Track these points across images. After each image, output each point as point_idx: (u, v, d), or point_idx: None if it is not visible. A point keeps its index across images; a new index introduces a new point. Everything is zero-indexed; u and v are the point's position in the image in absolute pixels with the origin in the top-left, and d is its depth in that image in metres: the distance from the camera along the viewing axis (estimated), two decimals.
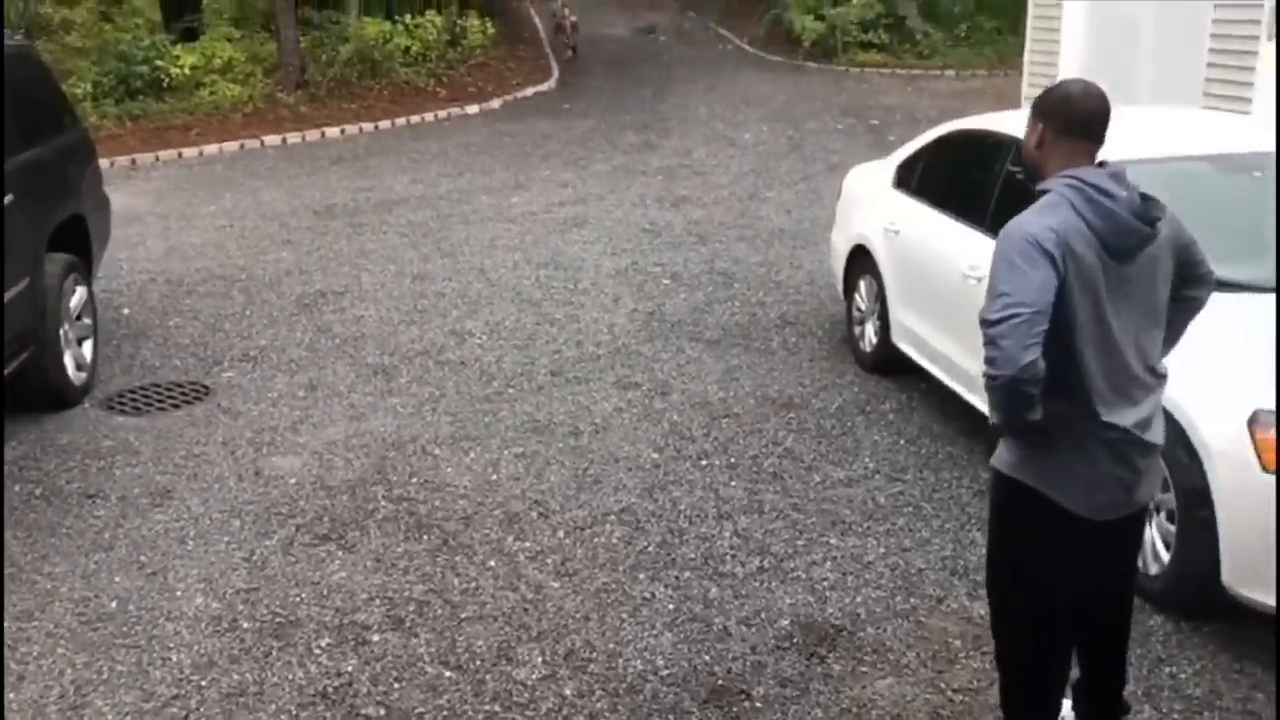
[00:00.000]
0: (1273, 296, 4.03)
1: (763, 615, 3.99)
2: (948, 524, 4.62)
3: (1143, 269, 2.72)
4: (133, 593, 4.21)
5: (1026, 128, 2.83)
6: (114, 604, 4.13)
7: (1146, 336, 2.76)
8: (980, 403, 5.12)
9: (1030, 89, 13.51)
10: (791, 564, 4.33)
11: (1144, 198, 2.70)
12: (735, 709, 3.51)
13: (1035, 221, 2.65)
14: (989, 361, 2.58)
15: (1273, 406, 3.53)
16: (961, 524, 4.61)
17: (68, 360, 5.94)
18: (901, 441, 5.40)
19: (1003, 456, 2.86)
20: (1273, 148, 4.92)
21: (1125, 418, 2.72)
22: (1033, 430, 2.69)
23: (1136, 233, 2.66)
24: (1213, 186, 4.77)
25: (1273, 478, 3.49)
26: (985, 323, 2.58)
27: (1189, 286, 2.91)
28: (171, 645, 3.88)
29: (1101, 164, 2.74)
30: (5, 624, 4.00)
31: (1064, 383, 2.67)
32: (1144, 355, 2.76)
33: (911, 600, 4.07)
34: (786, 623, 3.94)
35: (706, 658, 3.76)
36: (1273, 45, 9.89)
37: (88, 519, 4.77)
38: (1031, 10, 13.98)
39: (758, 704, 3.52)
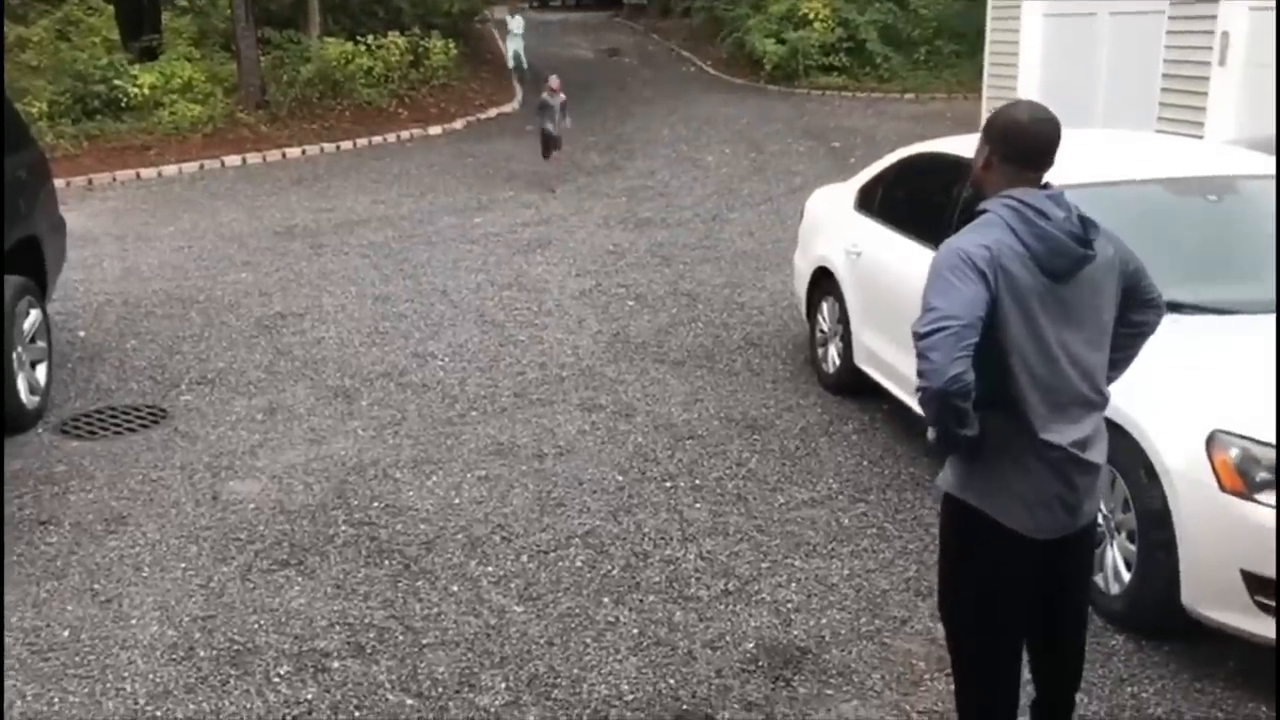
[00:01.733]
0: (1231, 319, 4.09)
1: (728, 638, 3.97)
2: (911, 545, 4.63)
3: (1083, 290, 2.74)
4: (85, 621, 4.12)
5: (978, 151, 2.85)
6: (66, 633, 4.04)
7: (1090, 356, 2.78)
8: None
9: (990, 112, 13.70)
10: (756, 586, 4.31)
11: (1082, 219, 2.73)
12: None
13: (969, 239, 2.69)
14: (919, 374, 2.60)
15: (1231, 428, 3.57)
16: (925, 545, 4.62)
17: (21, 384, 5.83)
18: (865, 462, 5.42)
19: (946, 477, 2.88)
20: (1225, 171, 5.00)
21: (1064, 436, 2.73)
22: (967, 446, 2.71)
23: (1071, 253, 2.68)
24: (1168, 210, 4.83)
25: (1231, 499, 3.52)
26: (915, 335, 2.61)
27: (1137, 311, 2.93)
28: (126, 675, 3.80)
29: (1045, 185, 2.77)
30: None
31: (1001, 400, 2.69)
32: (1087, 375, 2.77)
33: (876, 622, 4.07)
34: (751, 645, 3.92)
35: (671, 682, 3.73)
36: (1224, 70, 10.10)
37: (39, 546, 4.67)
38: (989, 35, 14.20)
39: None
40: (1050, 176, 2.80)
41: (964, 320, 2.56)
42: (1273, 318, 3.98)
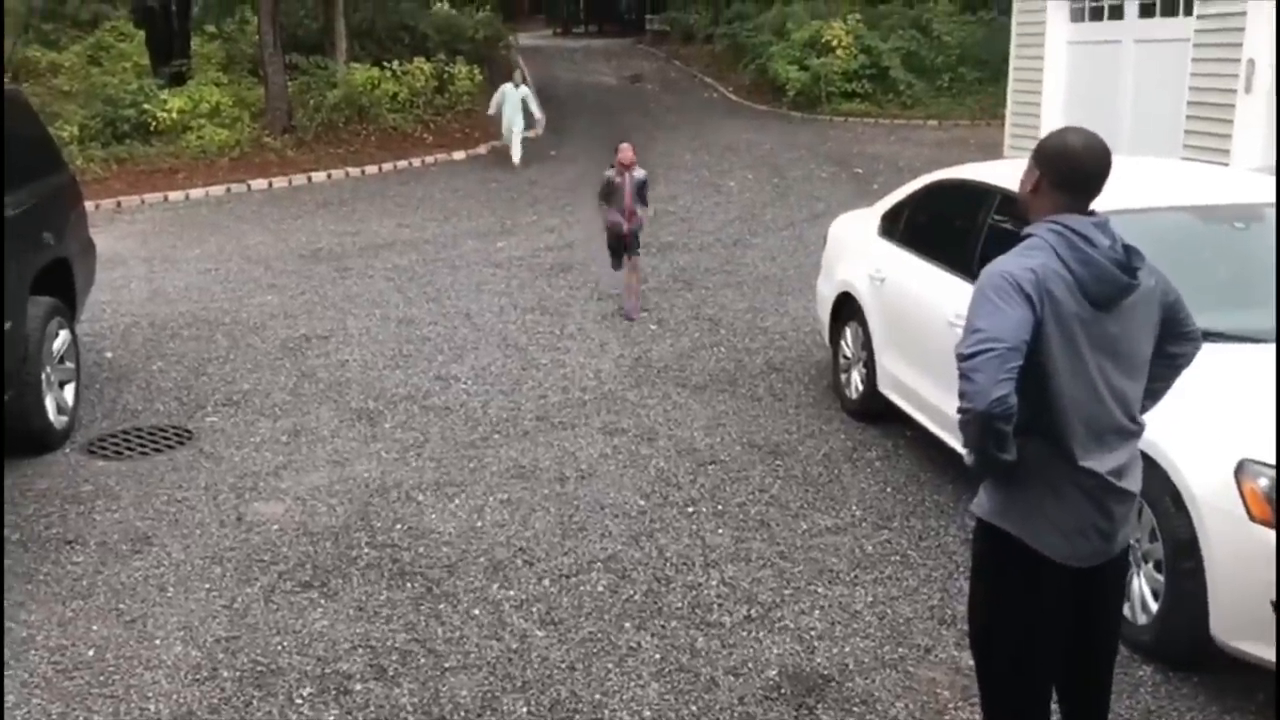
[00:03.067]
0: (1258, 347, 4.05)
1: (750, 665, 3.95)
2: (935, 572, 4.59)
3: (1124, 318, 2.73)
4: (110, 641, 4.14)
5: (1025, 169, 2.84)
6: (91, 652, 4.06)
7: (1128, 385, 2.77)
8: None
9: (1013, 138, 13.68)
10: (779, 613, 4.29)
11: (1126, 248, 2.72)
12: None
13: (1014, 262, 2.68)
14: (962, 395, 2.58)
15: (1260, 457, 3.54)
16: (949, 572, 4.58)
17: (49, 404, 5.88)
18: (888, 489, 5.39)
19: (982, 503, 2.86)
20: (1253, 199, 4.98)
21: (1102, 464, 2.72)
22: (1005, 470, 2.70)
23: (1116, 281, 2.68)
24: (1195, 238, 4.81)
25: (1260, 528, 3.48)
26: (960, 357, 2.60)
27: (1174, 343, 2.92)
28: (150, 695, 3.81)
29: (1090, 212, 2.76)
30: None
31: (1040, 425, 2.68)
32: (1124, 404, 2.76)
33: (900, 650, 4.04)
34: (774, 673, 3.90)
35: (693, 708, 3.71)
36: (1251, 98, 10.05)
37: (66, 565, 4.71)
38: (1013, 61, 14.20)
39: None
40: (1099, 204, 2.79)
41: (1009, 343, 2.56)
42: None
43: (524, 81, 10.17)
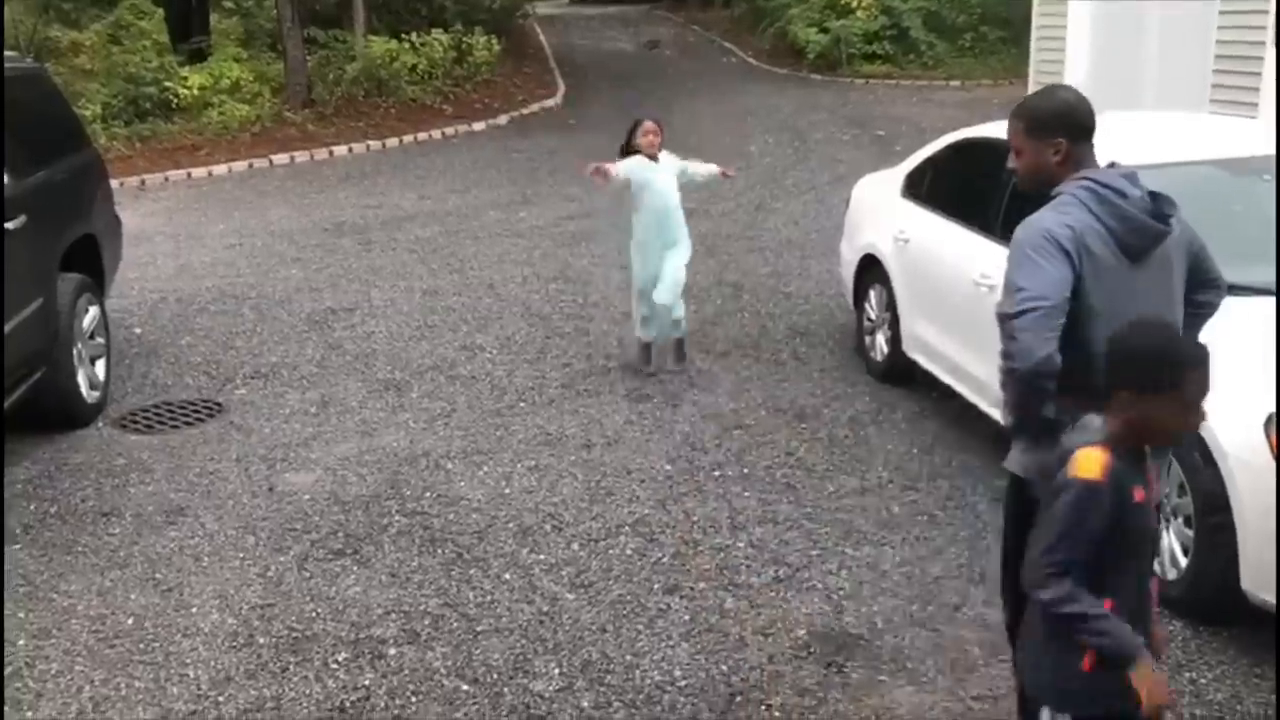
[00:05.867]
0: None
1: (779, 625, 3.98)
2: (962, 532, 4.60)
3: (1156, 269, 2.73)
4: (149, 610, 4.21)
5: (1037, 148, 2.82)
6: (130, 621, 4.14)
7: None
8: (994, 410, 5.11)
9: None
10: (807, 574, 4.31)
11: (1154, 196, 2.72)
12: (754, 719, 3.49)
13: (1051, 219, 2.68)
14: (1006, 355, 2.59)
15: None
16: (976, 531, 4.59)
17: (81, 379, 5.96)
18: (915, 450, 5.39)
19: (1017, 459, 2.86)
20: (1267, 151, 4.91)
21: None
22: (1044, 427, 2.69)
23: (1151, 230, 2.68)
24: (1222, 191, 4.76)
25: None
26: (1003, 317, 2.60)
27: (1200, 291, 2.92)
28: (188, 661, 3.88)
29: (1111, 164, 2.76)
30: (22, 642, 4.00)
31: (1076, 380, 2.67)
32: None
33: (928, 609, 4.05)
34: (803, 632, 3.93)
35: (724, 668, 3.75)
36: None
37: (103, 537, 4.78)
38: (1036, 19, 14.01)
39: (776, 713, 3.51)
40: (1104, 158, 2.79)
41: (1052, 301, 2.57)
42: None
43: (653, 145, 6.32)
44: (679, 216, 6.37)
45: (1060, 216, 2.67)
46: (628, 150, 6.31)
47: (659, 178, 6.26)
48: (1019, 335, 2.57)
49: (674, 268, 6.28)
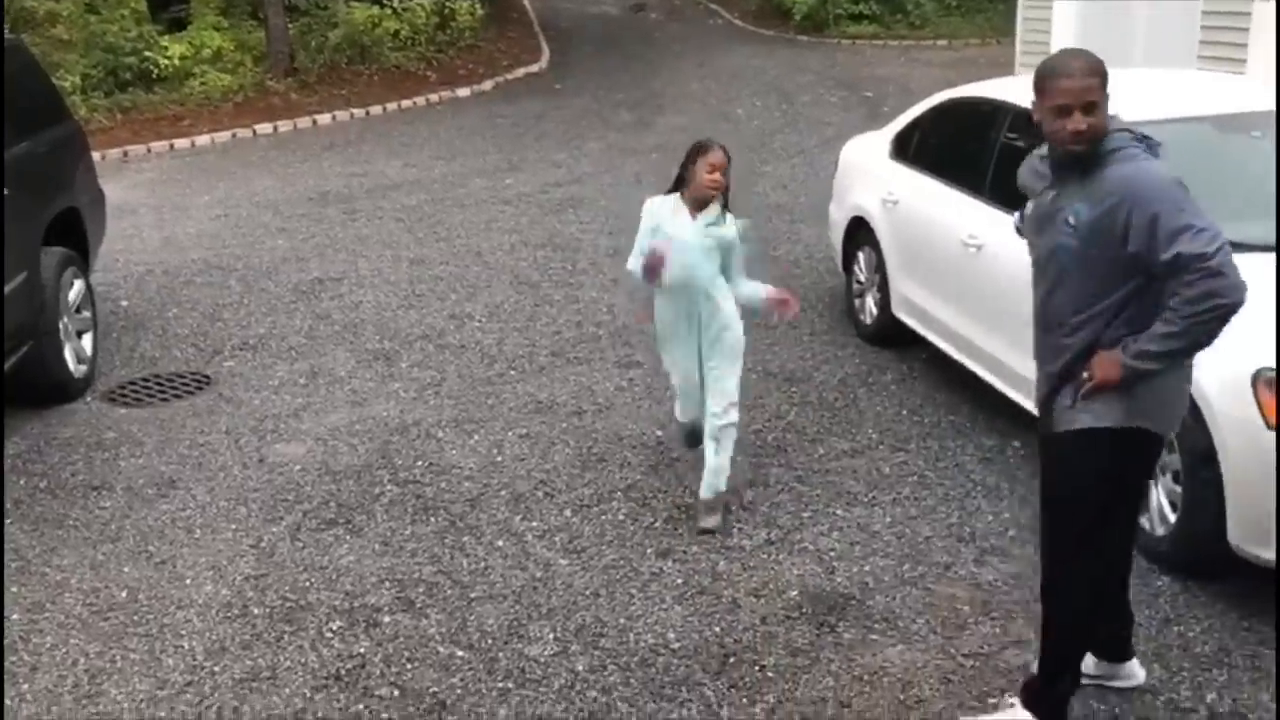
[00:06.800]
0: (1274, 255, 4.02)
1: (771, 586, 4.00)
2: (953, 492, 4.63)
3: None
4: (142, 582, 4.22)
5: (1106, 103, 2.88)
6: (124, 593, 4.14)
7: None
8: (984, 371, 5.12)
9: (1024, 55, 13.45)
10: (798, 535, 4.34)
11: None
12: (747, 679, 3.52)
13: (1156, 165, 2.84)
14: (1216, 292, 2.69)
15: (1275, 365, 3.53)
16: (966, 491, 4.62)
17: (68, 353, 5.93)
18: (904, 411, 5.41)
19: (1111, 413, 2.90)
20: (1269, 107, 4.90)
21: None
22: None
23: None
24: (1212, 147, 4.75)
25: (1277, 436, 3.49)
26: (1202, 256, 2.68)
27: None
28: (183, 632, 3.89)
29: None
30: (16, 616, 4.01)
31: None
32: None
33: (919, 568, 4.08)
34: (795, 593, 3.95)
35: (717, 629, 3.77)
36: (1268, 6, 9.84)
37: (94, 510, 4.78)
38: None
39: (769, 674, 3.54)
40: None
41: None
42: None
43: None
44: (721, 304, 4.29)
45: (1156, 162, 2.83)
46: (678, 183, 4.34)
47: (690, 236, 4.24)
48: (1226, 270, 2.69)
49: (723, 393, 4.33)
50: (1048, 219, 2.98)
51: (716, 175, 4.22)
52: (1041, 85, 2.90)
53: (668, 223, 4.29)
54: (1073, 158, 2.88)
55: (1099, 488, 2.97)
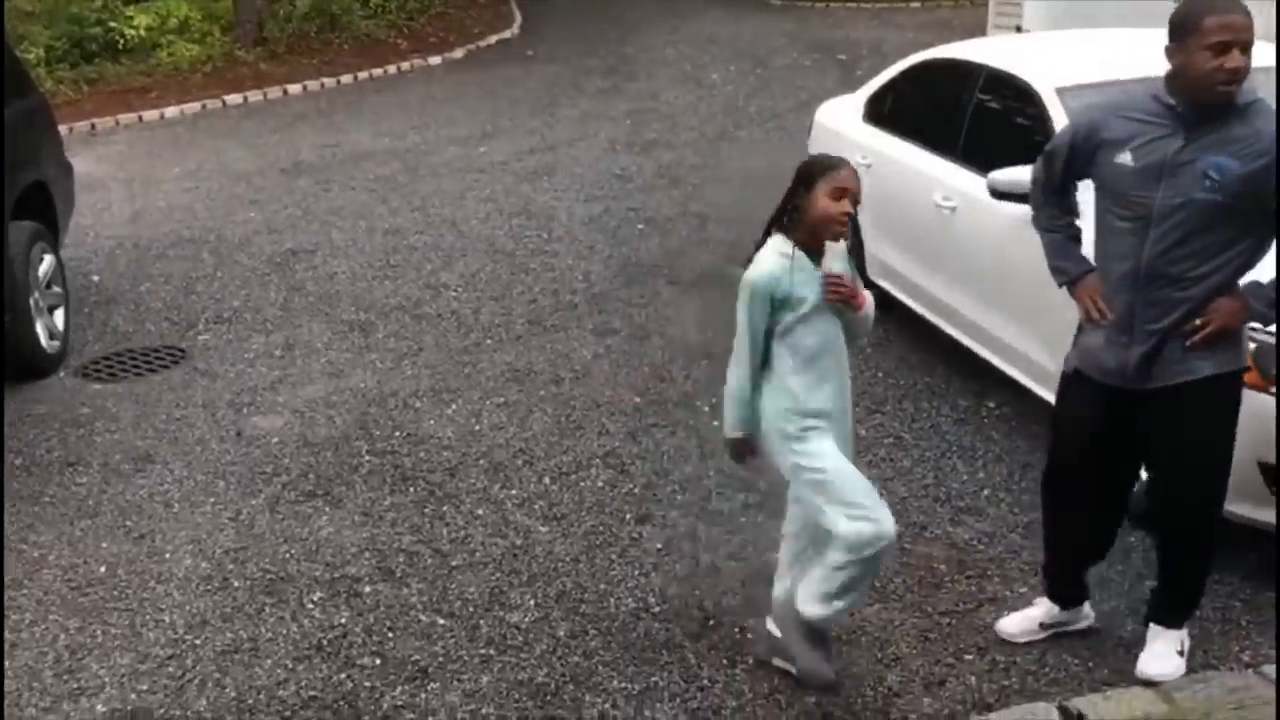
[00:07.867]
0: None
1: (751, 549, 4.03)
2: (928, 453, 4.67)
3: None
4: (121, 557, 4.21)
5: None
6: (103, 569, 4.13)
7: None
8: (959, 333, 5.15)
9: (997, 18, 13.41)
10: (776, 499, 4.36)
11: None
12: (727, 641, 3.56)
13: None
14: None
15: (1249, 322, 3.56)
16: (942, 452, 4.66)
17: (40, 329, 5.87)
18: (879, 374, 5.44)
19: (1237, 358, 3.08)
20: (1261, 63, 4.91)
21: None
22: None
23: None
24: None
25: (1252, 393, 3.52)
26: None
27: None
28: (163, 606, 3.89)
29: None
30: None
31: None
32: None
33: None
34: (774, 556, 3.98)
35: (697, 593, 3.81)
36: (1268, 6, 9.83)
37: (70, 487, 4.76)
38: None
39: (749, 635, 3.57)
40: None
41: None
42: None
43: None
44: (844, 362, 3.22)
45: None
46: (785, 217, 3.16)
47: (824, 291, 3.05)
48: None
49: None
50: (1171, 170, 2.88)
51: (842, 203, 2.98)
52: (1194, 23, 2.81)
53: (800, 287, 3.02)
54: (1217, 103, 2.83)
55: (1225, 432, 3.13)
